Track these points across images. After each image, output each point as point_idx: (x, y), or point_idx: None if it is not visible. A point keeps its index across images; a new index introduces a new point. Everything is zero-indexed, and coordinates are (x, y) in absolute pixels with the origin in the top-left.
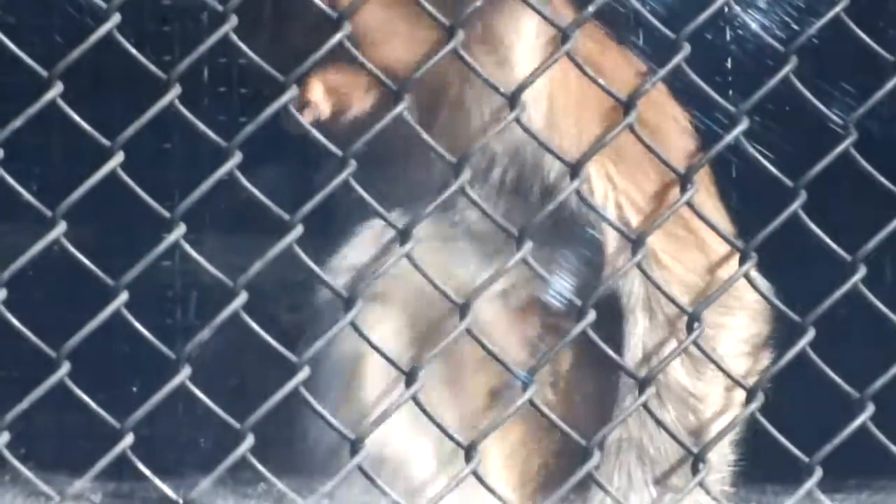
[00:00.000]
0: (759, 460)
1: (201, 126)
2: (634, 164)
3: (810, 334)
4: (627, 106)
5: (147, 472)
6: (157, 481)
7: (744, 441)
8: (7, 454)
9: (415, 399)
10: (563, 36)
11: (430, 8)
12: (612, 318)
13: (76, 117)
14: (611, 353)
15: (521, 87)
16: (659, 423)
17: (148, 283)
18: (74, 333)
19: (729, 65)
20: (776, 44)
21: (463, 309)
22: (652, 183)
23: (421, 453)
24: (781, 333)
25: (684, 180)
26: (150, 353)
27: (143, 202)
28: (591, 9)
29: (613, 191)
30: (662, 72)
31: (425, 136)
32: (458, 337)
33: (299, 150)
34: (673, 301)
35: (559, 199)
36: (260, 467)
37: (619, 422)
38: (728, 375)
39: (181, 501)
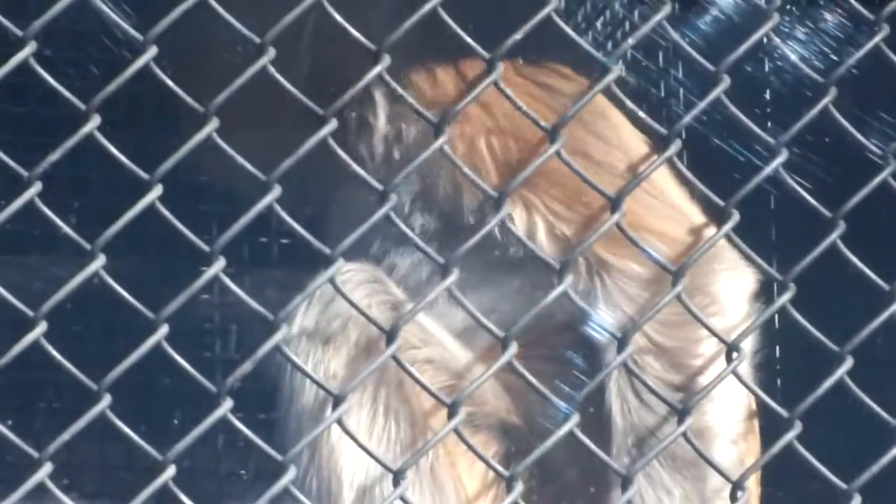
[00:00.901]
0: (797, 486)
1: (240, 159)
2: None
3: (848, 363)
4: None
5: (189, 503)
6: None
7: (782, 468)
8: (50, 485)
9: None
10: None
11: None
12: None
13: (114, 150)
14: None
15: (445, 118)
16: (700, 453)
17: (188, 316)
18: (115, 366)
19: (768, 96)
20: (815, 75)
21: (505, 342)
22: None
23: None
24: (820, 361)
25: (614, 203)
26: (192, 386)
27: (181, 235)
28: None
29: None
30: (703, 104)
31: (467, 170)
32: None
33: (336, 183)
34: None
35: (485, 230)
36: (302, 498)
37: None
38: (768, 402)
39: None
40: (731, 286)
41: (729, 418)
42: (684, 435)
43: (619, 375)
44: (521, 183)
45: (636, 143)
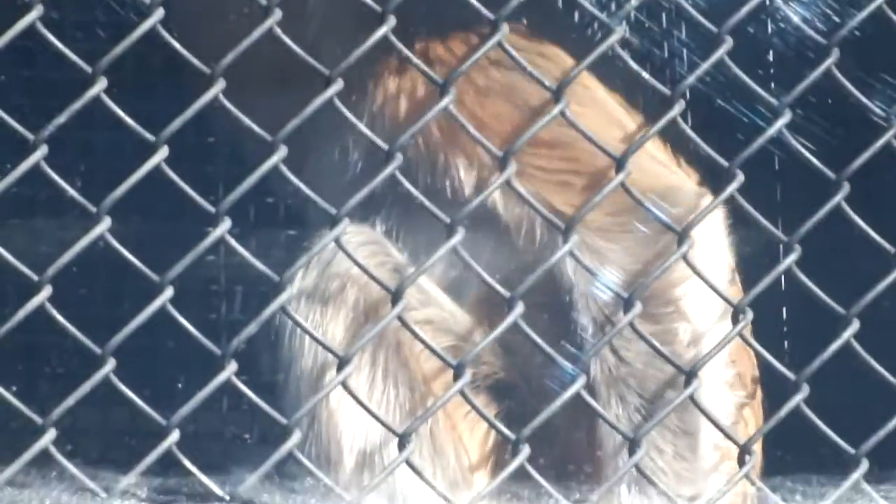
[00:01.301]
0: (804, 451)
1: (246, 120)
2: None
3: (854, 326)
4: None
5: (193, 468)
6: (204, 477)
7: (790, 432)
8: (54, 451)
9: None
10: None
11: None
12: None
13: (120, 113)
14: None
15: (450, 79)
16: (707, 416)
17: (193, 279)
18: (119, 330)
19: (770, 58)
20: (818, 36)
21: (511, 302)
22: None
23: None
24: (827, 326)
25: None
26: (196, 349)
27: (187, 197)
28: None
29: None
30: (705, 65)
31: (472, 130)
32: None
33: (341, 143)
34: None
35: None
36: (307, 462)
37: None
38: (777, 366)
39: (227, 497)
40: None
41: (721, 378)
42: (691, 398)
43: (595, 335)
44: (519, 148)
45: (625, 117)
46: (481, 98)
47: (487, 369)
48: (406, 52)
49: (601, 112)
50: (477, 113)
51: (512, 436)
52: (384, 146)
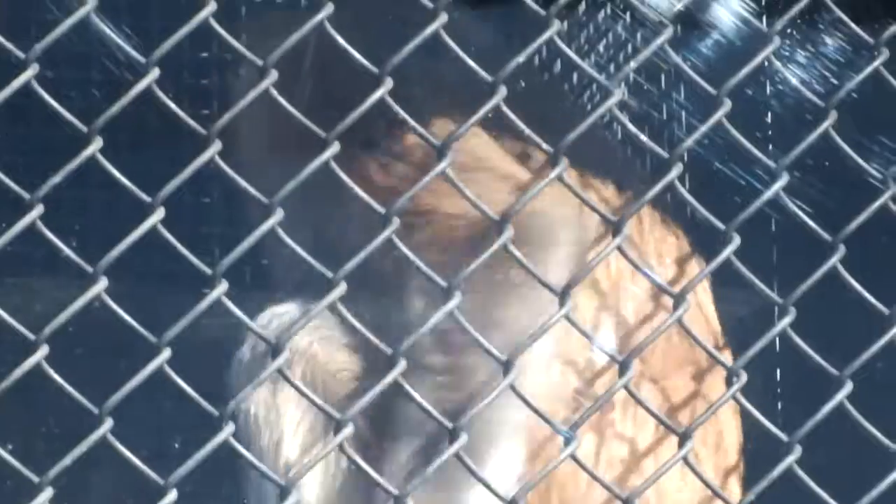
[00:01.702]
0: None
1: (242, 182)
2: None
3: (848, 387)
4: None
5: None
6: None
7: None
8: None
9: None
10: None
11: None
12: None
13: (116, 173)
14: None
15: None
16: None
17: (190, 340)
18: (117, 389)
19: (769, 120)
20: (815, 98)
21: (507, 365)
22: None
23: None
24: (821, 386)
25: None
26: (194, 410)
27: (184, 258)
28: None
29: None
30: (704, 127)
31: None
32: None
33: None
34: None
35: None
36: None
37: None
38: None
39: None
40: None
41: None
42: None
43: None
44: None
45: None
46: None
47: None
48: (402, 114)
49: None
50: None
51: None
52: (381, 210)
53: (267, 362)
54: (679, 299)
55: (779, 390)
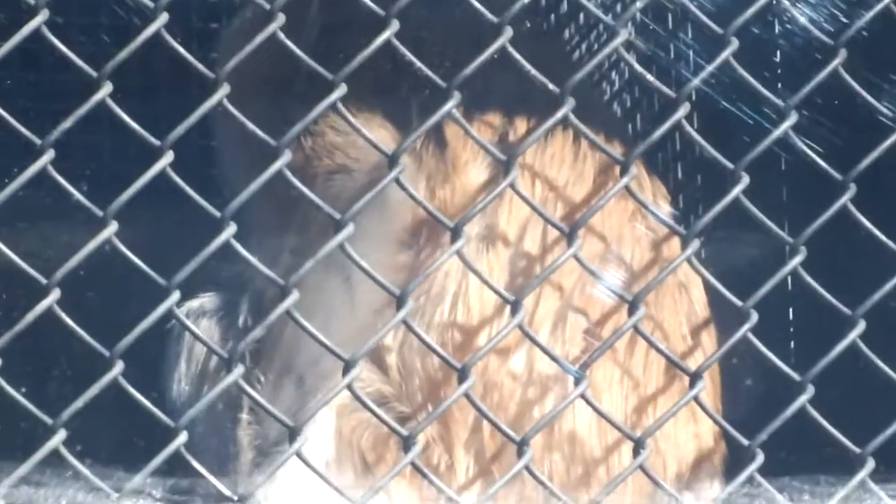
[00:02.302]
0: (811, 450)
1: (249, 125)
2: None
3: (860, 326)
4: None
5: (202, 469)
6: (212, 478)
7: (795, 433)
8: (65, 452)
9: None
10: None
11: None
12: None
13: (126, 117)
14: (661, 348)
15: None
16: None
17: (198, 282)
18: (128, 332)
19: (777, 60)
20: (825, 37)
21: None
22: None
23: None
24: (835, 325)
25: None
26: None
27: (193, 201)
28: None
29: None
30: (711, 67)
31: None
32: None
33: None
34: None
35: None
36: (312, 465)
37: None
38: (782, 367)
39: (236, 498)
40: None
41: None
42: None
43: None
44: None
45: None
46: None
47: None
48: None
49: None
50: None
51: (517, 437)
52: (387, 151)
53: None
54: (688, 238)
55: (791, 330)
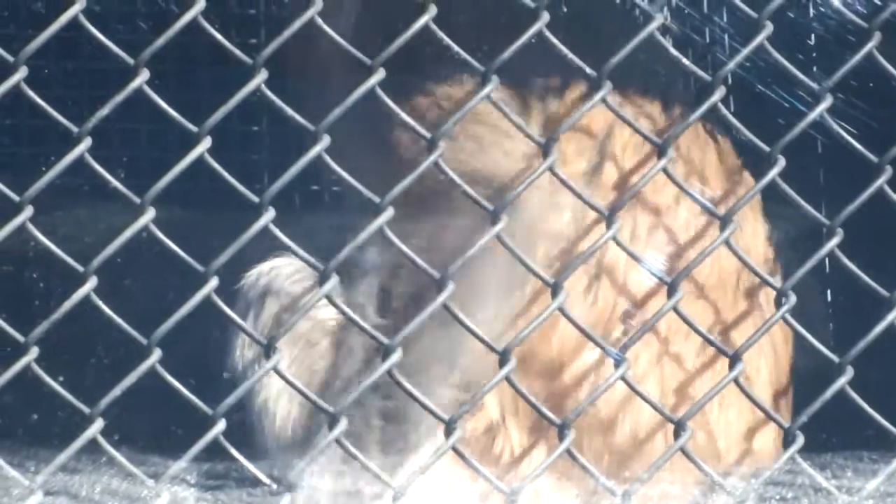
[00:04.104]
0: (854, 430)
1: (288, 110)
2: None
3: None
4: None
5: (239, 455)
6: (249, 464)
7: (834, 414)
8: (101, 440)
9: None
10: None
11: None
12: None
13: (163, 104)
14: (701, 330)
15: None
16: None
17: (237, 269)
18: (166, 320)
19: (811, 42)
20: (859, 20)
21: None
22: None
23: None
24: (868, 308)
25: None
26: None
27: (231, 187)
28: None
29: None
30: (745, 51)
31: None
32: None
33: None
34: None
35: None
36: (352, 449)
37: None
38: (821, 349)
39: (273, 484)
40: None
41: None
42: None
43: None
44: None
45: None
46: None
47: None
48: (447, 39)
49: None
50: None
51: (557, 420)
52: (426, 134)
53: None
54: (726, 221)
55: (830, 311)
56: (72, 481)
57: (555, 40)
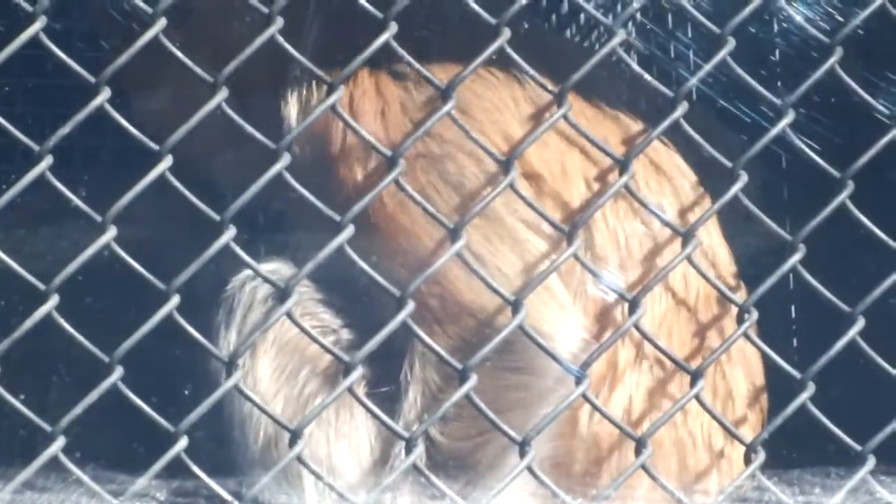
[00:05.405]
0: (820, 446)
1: (248, 128)
2: None
3: (860, 324)
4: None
5: (201, 473)
6: (211, 482)
7: (796, 430)
8: (64, 459)
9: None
10: None
11: None
12: None
13: (124, 122)
14: (661, 346)
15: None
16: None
17: (198, 286)
18: (128, 337)
19: (774, 58)
20: (821, 35)
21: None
22: None
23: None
24: (833, 324)
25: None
26: (202, 356)
27: (193, 205)
28: None
29: None
30: (709, 66)
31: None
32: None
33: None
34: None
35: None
36: (312, 466)
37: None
38: (783, 364)
39: (236, 501)
40: None
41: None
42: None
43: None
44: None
45: None
46: None
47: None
48: (408, 58)
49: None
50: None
51: (518, 438)
52: (387, 153)
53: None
54: (687, 237)
55: (793, 328)
56: (40, 499)
57: (516, 56)
